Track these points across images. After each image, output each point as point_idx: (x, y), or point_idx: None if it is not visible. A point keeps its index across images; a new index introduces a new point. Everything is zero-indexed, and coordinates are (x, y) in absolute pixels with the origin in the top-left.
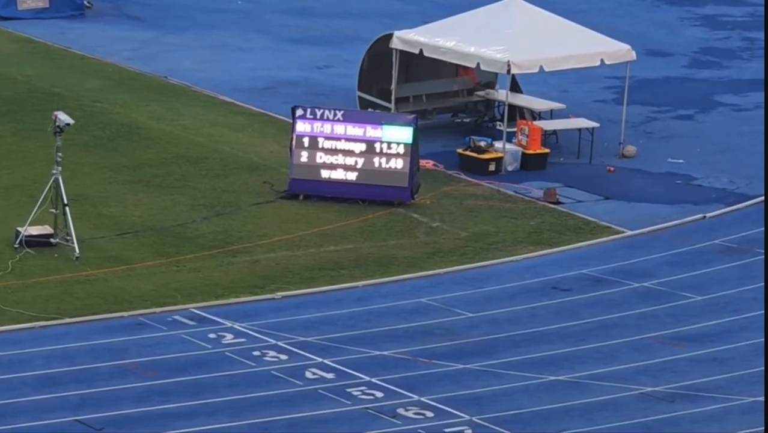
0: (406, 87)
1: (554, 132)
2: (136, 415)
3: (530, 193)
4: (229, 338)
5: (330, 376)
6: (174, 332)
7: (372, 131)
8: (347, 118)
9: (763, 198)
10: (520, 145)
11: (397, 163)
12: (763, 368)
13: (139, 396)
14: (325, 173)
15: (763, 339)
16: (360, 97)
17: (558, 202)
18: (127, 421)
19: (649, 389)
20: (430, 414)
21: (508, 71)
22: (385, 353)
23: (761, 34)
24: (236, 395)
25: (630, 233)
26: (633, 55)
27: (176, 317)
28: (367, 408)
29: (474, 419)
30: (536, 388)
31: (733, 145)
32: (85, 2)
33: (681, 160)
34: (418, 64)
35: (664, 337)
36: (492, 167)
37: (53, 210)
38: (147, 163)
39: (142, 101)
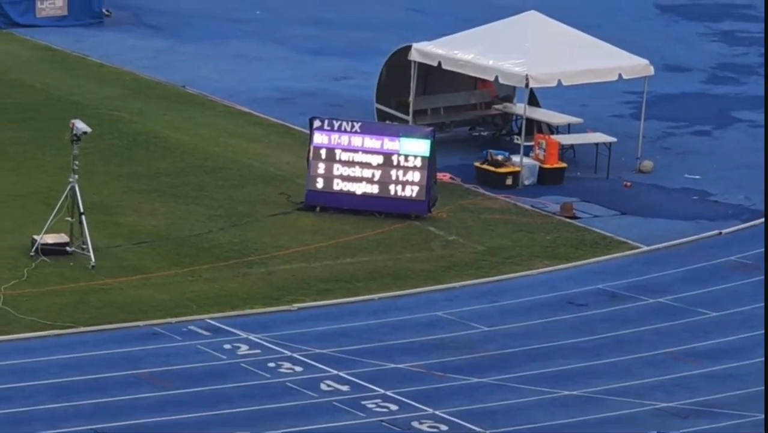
0: (424, 99)
1: (571, 146)
2: (151, 425)
3: (547, 207)
4: (244, 349)
5: (345, 388)
6: (189, 343)
7: (389, 144)
8: (365, 130)
9: None
10: (537, 159)
11: (415, 176)
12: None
13: (153, 406)
14: (342, 185)
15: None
16: (378, 109)
17: (574, 217)
18: (142, 431)
19: (664, 404)
20: (444, 428)
21: (527, 85)
22: (401, 366)
23: None
24: (251, 406)
25: (646, 248)
26: (651, 70)
27: (191, 327)
28: (382, 421)
29: (488, 432)
30: (551, 403)
31: (749, 161)
32: (103, 10)
33: (697, 176)
34: (436, 77)
35: (679, 353)
36: (509, 181)
37: (69, 218)
38: (163, 173)
39: (159, 110)
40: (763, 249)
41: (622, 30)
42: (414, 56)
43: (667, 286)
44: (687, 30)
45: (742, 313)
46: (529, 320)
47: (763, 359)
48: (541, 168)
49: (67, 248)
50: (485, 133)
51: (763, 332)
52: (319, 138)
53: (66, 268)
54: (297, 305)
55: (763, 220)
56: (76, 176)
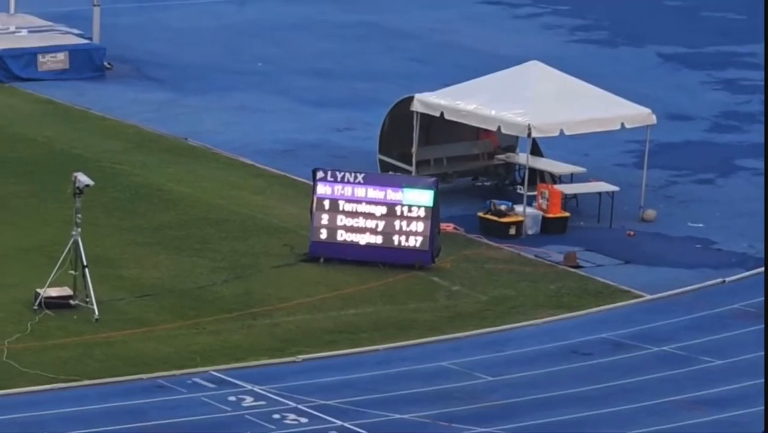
0: (427, 150)
1: (574, 196)
2: None
3: (550, 257)
4: (248, 400)
5: None
6: (194, 395)
7: (393, 194)
8: (368, 181)
9: None
10: (540, 208)
11: (418, 227)
12: None
13: None
14: (345, 236)
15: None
16: (380, 160)
17: (578, 266)
18: None
19: None
20: None
21: (529, 135)
22: (406, 416)
23: None
24: None
25: (650, 297)
26: (653, 119)
27: (196, 380)
28: None
29: None
30: None
31: (753, 209)
32: (105, 63)
33: (701, 225)
34: (438, 127)
35: (684, 401)
36: (512, 231)
37: (72, 272)
38: (166, 225)
39: (161, 163)
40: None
41: (624, 79)
42: (416, 107)
43: (670, 334)
44: (689, 78)
45: (746, 361)
46: (533, 369)
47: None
48: (544, 218)
49: (71, 302)
50: (488, 183)
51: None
52: (322, 189)
53: (69, 321)
54: (301, 357)
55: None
56: (79, 229)
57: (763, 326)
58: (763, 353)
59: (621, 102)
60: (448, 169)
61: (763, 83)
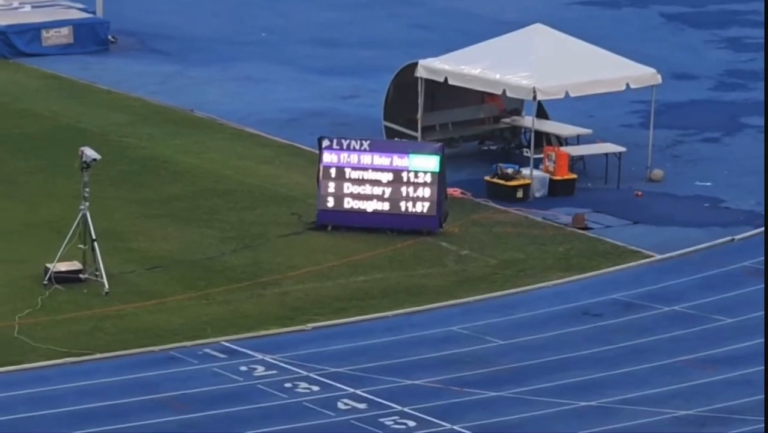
0: (432, 115)
1: (581, 157)
2: None
3: (558, 219)
4: (260, 370)
5: (362, 406)
6: (205, 366)
7: (399, 161)
8: (374, 148)
9: None
10: (547, 171)
11: (425, 192)
12: None
13: (173, 430)
14: (352, 203)
15: None
16: (386, 127)
17: (587, 228)
18: None
19: (682, 412)
20: None
21: (534, 98)
22: (417, 382)
23: None
24: (269, 427)
25: (659, 257)
26: (658, 79)
27: (207, 351)
28: None
29: None
30: (569, 414)
31: (760, 167)
32: (109, 37)
33: (708, 183)
34: (443, 93)
35: (696, 360)
36: (520, 194)
37: (82, 246)
38: (174, 197)
39: (168, 135)
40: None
41: (628, 40)
42: (421, 73)
43: (681, 294)
44: (693, 38)
45: (757, 318)
46: (544, 332)
47: None
48: (551, 180)
49: (81, 276)
50: (494, 147)
51: None
52: (328, 157)
53: (80, 295)
54: (311, 325)
55: None
56: (87, 203)
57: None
58: None
59: (625, 63)
60: (454, 134)
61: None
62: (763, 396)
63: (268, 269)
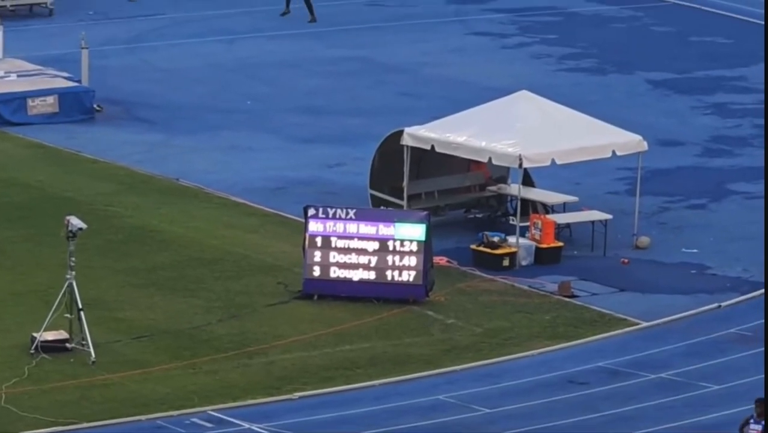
0: (418, 184)
1: (567, 225)
2: None
3: (545, 287)
4: None
5: None
6: None
7: (385, 229)
8: (359, 217)
9: None
10: (533, 239)
11: (411, 261)
12: None
13: None
14: (338, 272)
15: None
16: (372, 195)
17: (573, 296)
18: None
19: None
20: None
21: (520, 165)
22: None
23: None
24: None
25: (645, 324)
26: (644, 146)
27: (194, 420)
28: None
29: None
30: None
31: (746, 233)
32: (94, 106)
33: (695, 250)
34: (429, 160)
35: (682, 427)
36: (506, 262)
37: (68, 315)
38: (161, 267)
39: (154, 204)
40: (762, 320)
41: (614, 106)
42: (406, 141)
43: (667, 361)
44: (679, 104)
45: (743, 385)
46: (530, 400)
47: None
48: (537, 248)
49: (67, 345)
50: (480, 215)
51: None
52: (314, 226)
53: (66, 364)
54: (298, 394)
55: (762, 291)
56: (73, 273)
57: (760, 349)
58: (759, 376)
59: (611, 129)
60: (440, 202)
61: (752, 107)
62: None
63: (254, 338)
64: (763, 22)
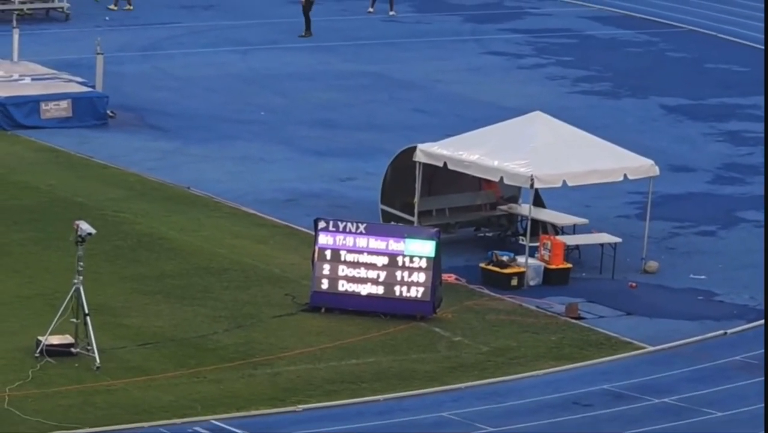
0: (429, 200)
1: (577, 247)
2: None
3: (552, 308)
4: None
5: None
6: None
7: (394, 245)
8: (370, 232)
9: None
10: (542, 260)
11: (420, 277)
12: None
13: None
14: (346, 286)
15: None
16: (383, 210)
17: (580, 318)
18: None
19: None
20: None
21: (532, 186)
22: None
23: None
24: None
25: (651, 348)
26: (656, 171)
27: (197, 429)
28: None
29: None
30: None
31: (755, 261)
32: (108, 111)
33: (703, 276)
34: (441, 178)
35: None
36: (514, 282)
37: (74, 320)
38: (168, 274)
39: (164, 212)
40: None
41: (627, 130)
42: (419, 157)
43: (672, 386)
44: (692, 130)
45: (747, 413)
46: (534, 420)
47: None
48: (546, 269)
49: (72, 349)
50: (490, 234)
51: None
52: (323, 239)
53: (71, 369)
54: (302, 406)
55: None
56: (81, 278)
57: (763, 378)
58: (763, 404)
59: (624, 153)
60: (451, 219)
61: (763, 135)
62: None
63: (260, 349)
64: None
